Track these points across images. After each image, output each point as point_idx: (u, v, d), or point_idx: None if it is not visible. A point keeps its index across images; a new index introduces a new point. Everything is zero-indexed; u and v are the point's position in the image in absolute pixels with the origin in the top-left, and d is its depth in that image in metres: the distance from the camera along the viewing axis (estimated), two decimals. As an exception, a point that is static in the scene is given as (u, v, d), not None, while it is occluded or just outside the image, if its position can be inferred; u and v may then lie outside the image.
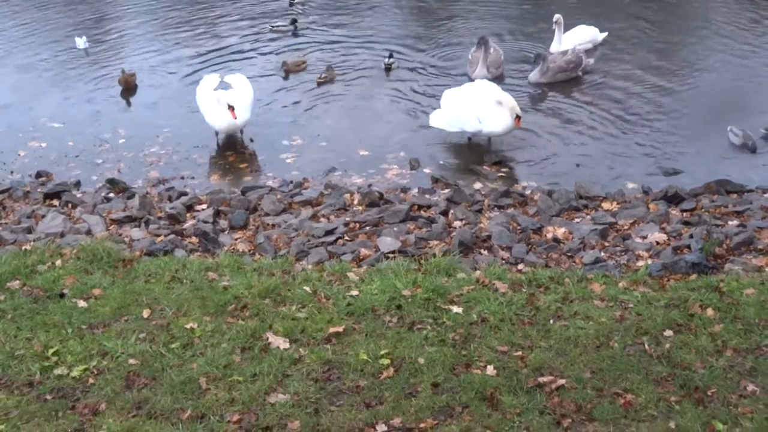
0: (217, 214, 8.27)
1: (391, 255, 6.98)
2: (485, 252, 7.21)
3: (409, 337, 5.40)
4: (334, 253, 7.17)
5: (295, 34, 13.66)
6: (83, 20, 15.82)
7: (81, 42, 13.66)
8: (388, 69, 13.15)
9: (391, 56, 13.17)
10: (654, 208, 8.12)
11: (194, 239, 7.59)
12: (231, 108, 9.99)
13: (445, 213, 8.14)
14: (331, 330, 5.47)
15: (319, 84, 12.23)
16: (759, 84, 11.83)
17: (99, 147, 10.47)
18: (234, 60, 13.32)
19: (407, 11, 16.08)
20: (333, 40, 14.18)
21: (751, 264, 6.56)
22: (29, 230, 7.87)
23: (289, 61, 12.52)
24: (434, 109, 10.77)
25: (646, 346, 5.25)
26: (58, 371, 5.12)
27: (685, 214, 8.07)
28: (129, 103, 11.90)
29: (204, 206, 8.52)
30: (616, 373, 4.99)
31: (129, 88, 12.14)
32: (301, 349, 5.29)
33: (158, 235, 7.67)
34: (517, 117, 9.81)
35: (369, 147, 10.20)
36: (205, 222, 8.01)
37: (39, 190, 9.12)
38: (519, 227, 7.75)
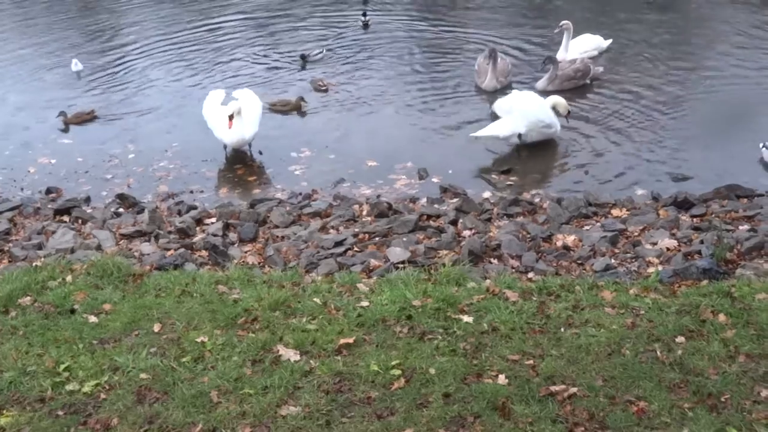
0: (227, 227, 8.29)
1: (400, 265, 6.98)
2: (495, 261, 7.20)
3: (420, 348, 5.38)
4: (343, 264, 7.17)
5: (303, 67, 13.58)
6: (88, 38, 15.94)
7: (75, 65, 13.63)
8: (366, 25, 14.48)
9: (365, 14, 14.49)
10: (664, 214, 8.10)
11: (204, 253, 7.61)
12: (230, 117, 10.02)
13: (454, 222, 8.13)
14: (342, 341, 5.46)
15: (316, 90, 12.40)
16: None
17: (108, 162, 10.53)
18: (241, 74, 13.40)
19: (414, 23, 16.12)
20: (341, 57, 14.24)
21: (763, 268, 6.52)
22: (40, 246, 7.90)
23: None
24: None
25: (658, 352, 5.21)
26: (69, 387, 5.11)
27: (695, 219, 8.05)
28: (136, 119, 11.94)
29: (213, 220, 8.55)
30: (628, 380, 4.96)
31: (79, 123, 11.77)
32: (311, 361, 5.28)
33: (168, 249, 7.69)
34: (568, 112, 10.45)
35: (377, 158, 10.22)
36: (215, 235, 8.02)
37: (49, 206, 9.17)
38: (529, 235, 7.73)
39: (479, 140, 10.24)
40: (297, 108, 11.83)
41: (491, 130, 10.19)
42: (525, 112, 10.12)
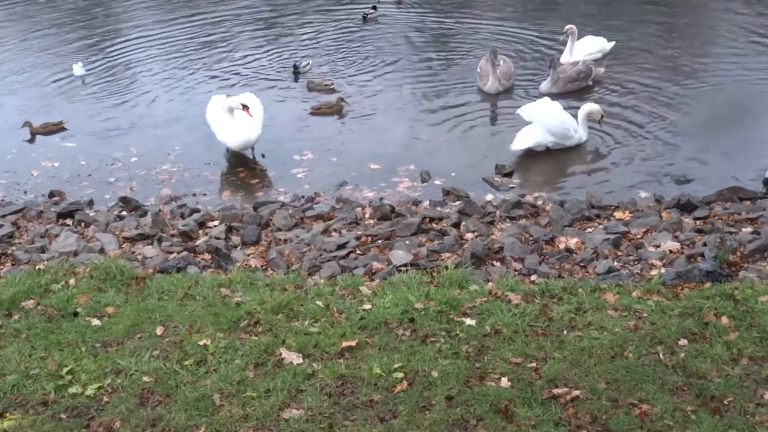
0: (229, 230, 8.29)
1: (403, 268, 6.98)
2: (498, 263, 7.19)
3: (423, 350, 5.38)
4: (346, 267, 7.16)
5: (296, 80, 13.28)
6: (91, 42, 15.96)
7: (78, 69, 13.70)
8: (364, 18, 14.77)
9: (374, 8, 14.89)
10: (667, 217, 8.09)
11: (207, 256, 7.61)
12: (246, 107, 10.03)
13: (456, 225, 8.13)
14: (344, 344, 5.46)
15: (311, 90, 12.46)
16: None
17: (111, 166, 10.53)
18: (244, 78, 13.42)
19: (417, 17, 16.14)
20: (341, 55, 14.27)
21: (766, 271, 6.50)
22: (43, 250, 7.91)
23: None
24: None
25: (661, 355, 5.21)
26: (72, 390, 5.12)
27: (698, 222, 8.03)
28: (139, 122, 11.95)
29: (216, 223, 8.54)
30: (631, 383, 4.96)
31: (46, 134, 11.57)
32: (314, 364, 5.29)
33: (171, 253, 7.69)
34: (601, 116, 10.46)
35: (380, 160, 10.21)
36: (218, 238, 8.02)
37: (52, 209, 9.17)
38: (531, 238, 7.73)
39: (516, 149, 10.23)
40: (339, 110, 11.77)
41: (523, 142, 10.16)
42: (545, 122, 10.08)
